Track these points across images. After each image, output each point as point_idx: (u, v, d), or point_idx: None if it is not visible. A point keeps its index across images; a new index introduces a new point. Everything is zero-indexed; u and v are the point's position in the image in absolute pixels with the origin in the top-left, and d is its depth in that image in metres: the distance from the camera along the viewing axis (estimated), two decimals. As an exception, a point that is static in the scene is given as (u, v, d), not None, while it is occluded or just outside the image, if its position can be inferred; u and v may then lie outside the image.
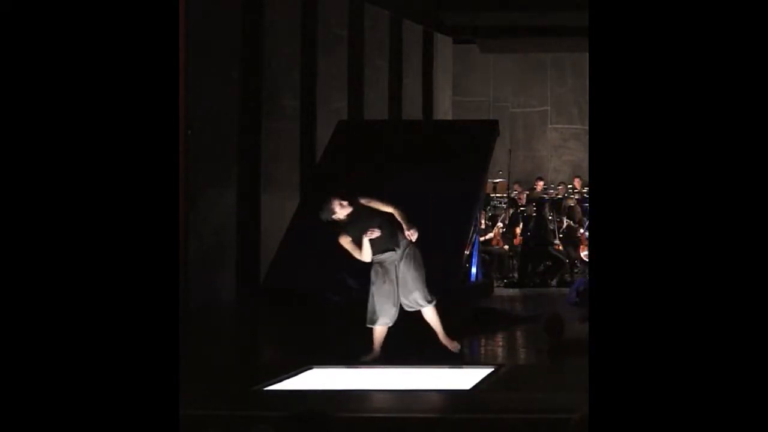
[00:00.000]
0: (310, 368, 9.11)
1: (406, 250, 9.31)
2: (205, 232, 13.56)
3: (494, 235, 18.13)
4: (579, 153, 21.08)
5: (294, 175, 15.55)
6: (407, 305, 9.39)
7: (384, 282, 9.32)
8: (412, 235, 9.19)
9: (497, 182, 19.76)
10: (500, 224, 18.32)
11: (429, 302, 9.38)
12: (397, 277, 9.31)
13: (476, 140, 15.13)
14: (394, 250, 9.27)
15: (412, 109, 19.34)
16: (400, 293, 9.33)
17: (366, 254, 9.21)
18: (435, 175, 13.80)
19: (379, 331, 9.43)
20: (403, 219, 9.22)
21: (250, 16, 14.49)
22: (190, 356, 7.74)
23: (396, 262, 9.29)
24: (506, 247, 18.07)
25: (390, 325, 9.41)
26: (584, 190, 19.41)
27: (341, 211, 9.23)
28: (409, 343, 9.66)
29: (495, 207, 19.14)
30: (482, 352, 11.19)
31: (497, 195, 19.68)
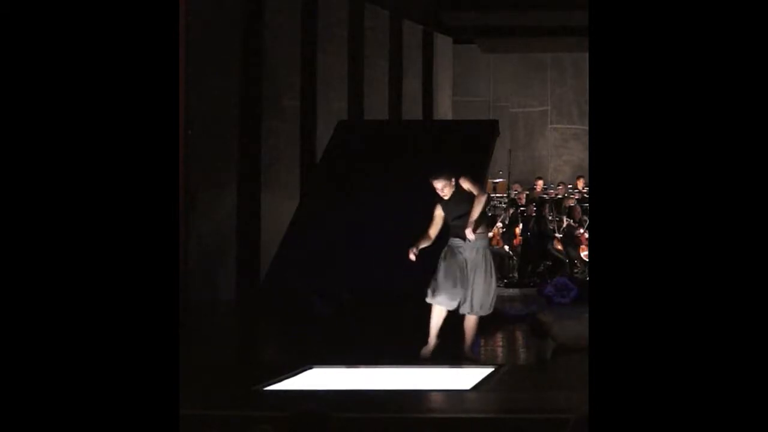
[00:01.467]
0: (310, 368, 9.11)
1: (481, 248, 9.33)
2: (205, 232, 13.56)
3: (494, 235, 18.12)
4: (579, 153, 21.07)
5: (294, 175, 15.55)
6: (463, 307, 9.39)
7: (449, 263, 9.28)
8: (468, 232, 9.16)
9: (497, 182, 19.75)
10: (500, 224, 18.32)
11: (479, 312, 9.37)
12: (465, 264, 9.28)
13: (476, 140, 15.13)
14: (464, 238, 9.24)
15: (412, 109, 19.34)
16: (464, 293, 9.33)
17: (433, 232, 9.29)
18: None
19: (437, 314, 9.35)
20: (472, 214, 9.20)
21: (250, 16, 14.49)
22: (190, 356, 7.73)
23: (463, 249, 9.28)
24: (506, 247, 18.07)
25: (450, 309, 9.34)
26: (585, 190, 19.42)
27: (446, 190, 9.29)
28: (410, 343, 9.65)
29: (495, 207, 19.13)
30: (482, 352, 11.19)
31: (497, 195, 19.67)
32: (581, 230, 17.58)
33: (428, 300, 9.38)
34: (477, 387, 8.34)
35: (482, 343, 11.46)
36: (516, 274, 17.59)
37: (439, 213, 9.37)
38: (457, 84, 21.52)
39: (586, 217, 17.49)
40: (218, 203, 13.88)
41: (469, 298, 9.35)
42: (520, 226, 18.09)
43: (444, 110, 20.94)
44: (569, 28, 18.56)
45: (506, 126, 20.61)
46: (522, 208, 18.59)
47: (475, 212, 9.22)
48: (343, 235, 12.90)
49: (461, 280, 9.30)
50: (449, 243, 9.36)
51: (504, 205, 19.15)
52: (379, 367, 9.24)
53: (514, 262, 17.94)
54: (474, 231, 9.18)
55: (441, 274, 9.30)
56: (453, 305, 9.37)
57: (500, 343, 11.17)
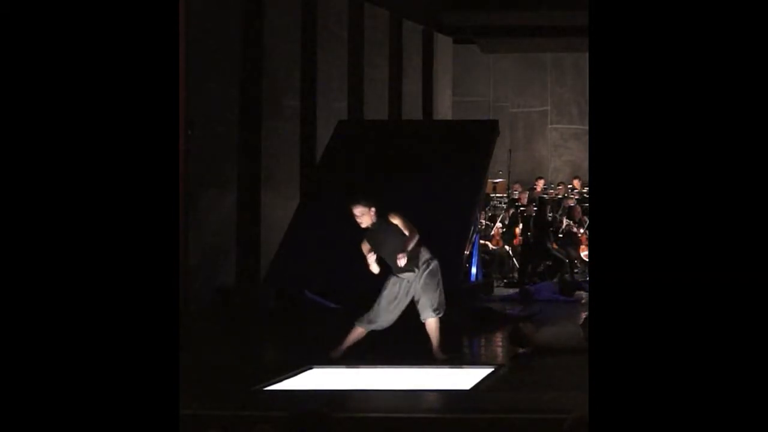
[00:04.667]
0: (310, 368, 9.12)
1: (426, 264, 9.32)
2: (205, 232, 13.57)
3: (494, 235, 18.13)
4: (579, 153, 21.09)
5: (294, 175, 15.56)
6: (423, 314, 9.38)
7: (394, 292, 9.32)
8: (400, 259, 9.13)
9: (497, 182, 19.76)
10: (500, 224, 18.32)
11: (435, 314, 9.34)
12: (408, 293, 9.32)
13: (476, 140, 15.15)
14: (413, 271, 9.26)
15: (412, 109, 19.35)
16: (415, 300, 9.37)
17: (374, 268, 9.21)
18: (435, 175, 13.82)
19: (359, 332, 9.43)
20: (407, 243, 9.16)
21: (250, 16, 14.50)
22: (190, 356, 7.74)
23: (413, 280, 9.32)
24: (506, 247, 18.07)
25: (376, 330, 9.42)
26: (584, 190, 19.43)
27: (364, 218, 9.21)
28: (409, 344, 9.66)
29: (495, 207, 19.14)
30: (482, 352, 11.20)
31: (497, 195, 19.68)
32: (581, 230, 17.59)
33: (357, 324, 9.38)
34: (477, 387, 8.35)
35: (482, 343, 11.49)
36: (516, 274, 17.59)
37: (365, 247, 9.24)
38: (457, 84, 21.54)
39: (586, 217, 17.50)
40: (218, 203, 13.88)
41: (426, 305, 9.31)
42: (520, 226, 18.09)
43: (444, 110, 20.95)
44: (569, 28, 18.57)
45: (506, 126, 20.64)
46: (522, 208, 18.60)
47: (408, 246, 9.16)
48: (343, 235, 12.91)
49: (398, 309, 9.32)
50: (398, 274, 9.30)
51: (504, 205, 19.16)
52: (380, 367, 9.25)
53: (514, 262, 17.95)
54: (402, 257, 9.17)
55: (381, 306, 9.30)
56: (381, 328, 9.39)
57: (500, 343, 11.16)
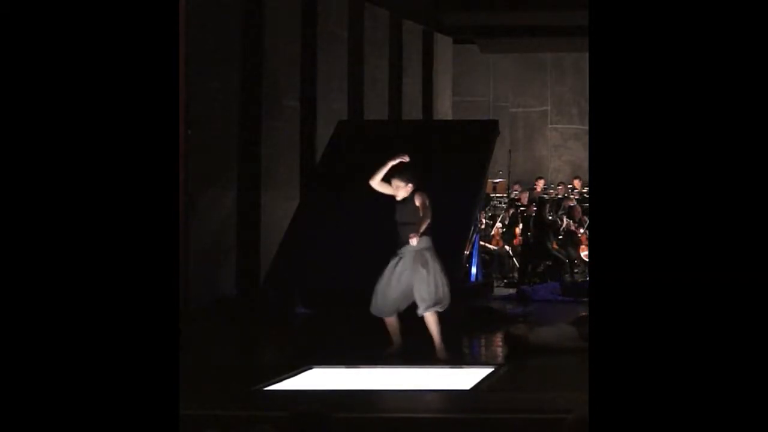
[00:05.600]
0: (310, 368, 9.11)
1: (419, 250, 9.42)
2: (205, 232, 13.56)
3: (494, 235, 18.13)
4: (579, 153, 21.09)
5: (294, 175, 15.56)
6: (418, 309, 9.46)
7: (386, 276, 9.44)
8: (412, 238, 9.30)
9: (497, 182, 19.76)
10: (499, 224, 18.32)
11: (427, 308, 9.38)
12: (400, 279, 9.42)
13: (476, 140, 15.14)
14: (407, 242, 9.41)
15: (412, 109, 19.35)
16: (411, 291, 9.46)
17: (375, 182, 9.68)
18: (435, 175, 13.80)
19: (388, 322, 9.53)
20: (420, 225, 9.38)
21: (250, 16, 14.49)
22: (190, 356, 7.73)
23: (403, 255, 9.43)
24: (507, 247, 18.07)
25: (392, 315, 9.52)
26: (584, 191, 19.43)
27: (399, 191, 9.55)
28: (410, 344, 9.66)
29: (495, 207, 19.13)
30: (482, 352, 11.20)
31: (497, 195, 19.68)
32: (581, 230, 17.59)
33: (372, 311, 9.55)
34: (477, 387, 8.34)
35: (482, 343, 11.49)
36: (516, 274, 17.59)
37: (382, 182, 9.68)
38: (457, 84, 21.53)
39: (586, 217, 17.50)
40: (218, 203, 13.88)
41: (418, 297, 9.40)
42: (520, 226, 18.09)
43: (444, 110, 20.95)
44: (569, 28, 18.57)
45: (506, 126, 20.64)
46: (522, 208, 18.59)
47: (421, 228, 9.38)
48: (343, 235, 12.92)
49: (396, 288, 9.45)
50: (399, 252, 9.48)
51: (504, 205, 19.15)
52: (379, 367, 9.25)
53: (514, 262, 17.95)
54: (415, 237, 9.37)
55: (379, 288, 9.50)
56: (392, 312, 9.52)
57: (500, 343, 11.16)
